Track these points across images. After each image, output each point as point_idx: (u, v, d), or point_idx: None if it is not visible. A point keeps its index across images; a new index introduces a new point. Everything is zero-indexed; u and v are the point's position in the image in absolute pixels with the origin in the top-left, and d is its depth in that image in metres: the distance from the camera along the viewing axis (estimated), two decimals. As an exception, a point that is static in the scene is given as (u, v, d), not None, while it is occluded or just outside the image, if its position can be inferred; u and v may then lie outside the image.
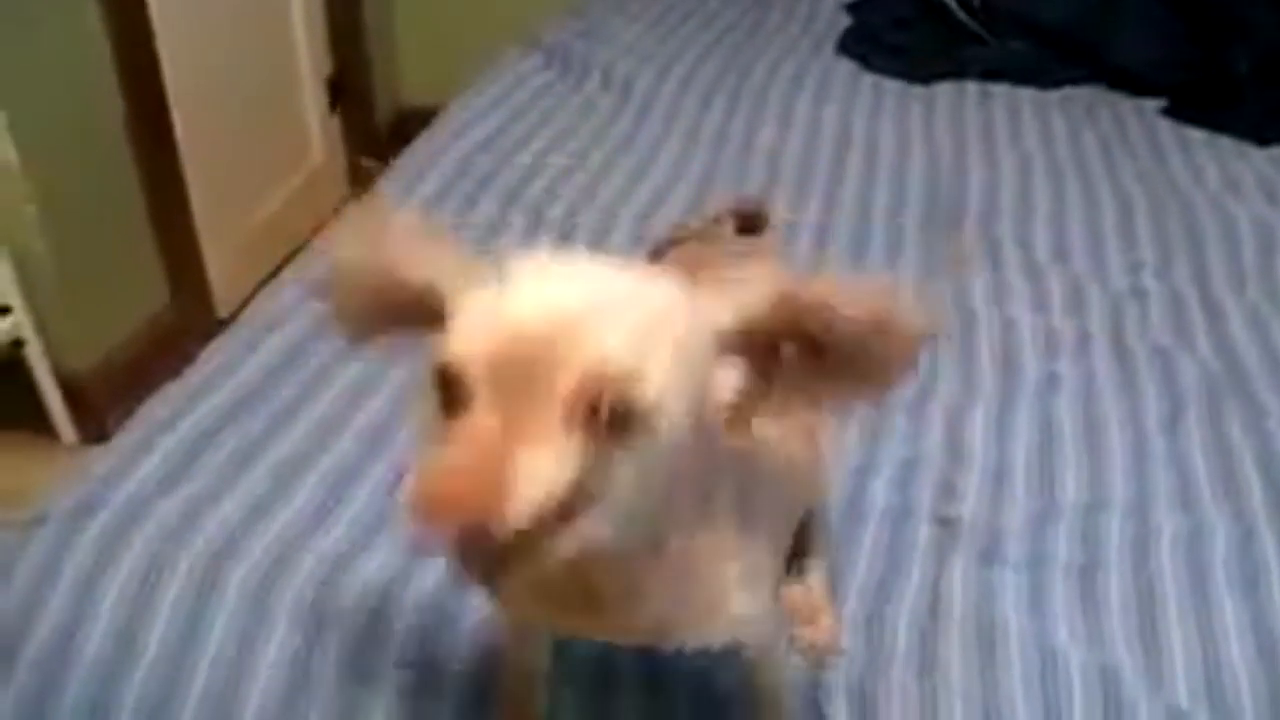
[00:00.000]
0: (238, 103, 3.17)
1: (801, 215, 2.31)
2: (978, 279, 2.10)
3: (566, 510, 0.75)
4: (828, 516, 1.53)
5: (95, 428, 2.68)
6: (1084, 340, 1.94)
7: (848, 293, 0.83)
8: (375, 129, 3.85)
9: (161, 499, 1.52)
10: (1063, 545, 1.55)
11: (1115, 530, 1.57)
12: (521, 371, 0.75)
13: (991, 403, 1.80)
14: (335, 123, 3.71)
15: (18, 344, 2.55)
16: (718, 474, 0.97)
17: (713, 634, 1.06)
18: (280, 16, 3.41)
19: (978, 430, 1.74)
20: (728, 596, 1.02)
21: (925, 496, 1.63)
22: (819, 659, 1.40)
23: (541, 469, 0.73)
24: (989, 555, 1.53)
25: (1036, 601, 1.46)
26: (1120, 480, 1.66)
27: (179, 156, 2.86)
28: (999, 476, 1.67)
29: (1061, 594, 1.47)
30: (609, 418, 0.75)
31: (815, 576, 1.48)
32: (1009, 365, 1.88)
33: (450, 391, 0.77)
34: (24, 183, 2.41)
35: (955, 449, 1.71)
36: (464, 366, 0.76)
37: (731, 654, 1.14)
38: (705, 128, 2.65)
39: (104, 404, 2.68)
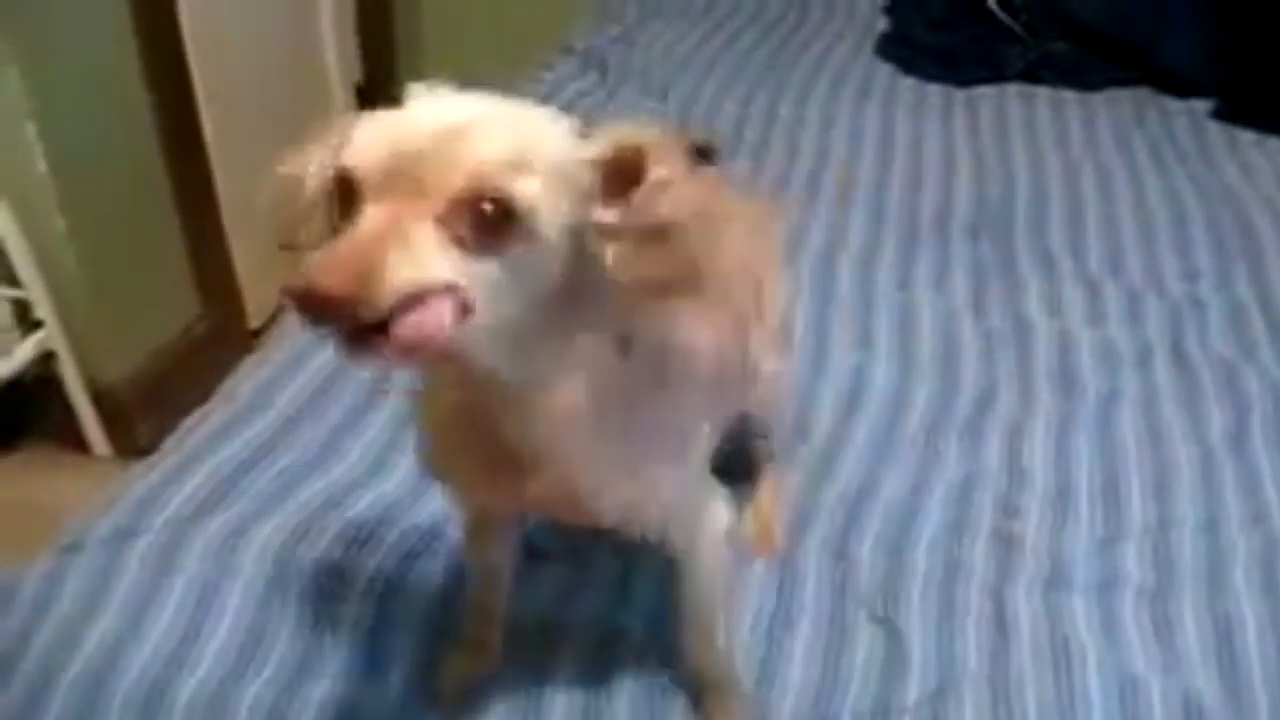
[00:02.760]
0: (268, 111, 3.12)
1: (848, 221, 2.26)
2: (1032, 289, 2.04)
3: (432, 300, 0.80)
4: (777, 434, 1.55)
5: (127, 440, 2.64)
6: (1143, 352, 1.89)
7: (690, 177, 0.89)
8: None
9: (203, 523, 1.48)
10: (1133, 566, 1.50)
11: (1187, 550, 1.52)
12: (406, 177, 0.80)
13: (1051, 418, 1.75)
14: (364, 129, 3.67)
15: (48, 356, 2.51)
16: (626, 327, 1.00)
17: (629, 499, 1.07)
18: (310, 24, 3.37)
19: (1038, 447, 1.70)
20: (644, 459, 1.06)
21: (985, 515, 1.58)
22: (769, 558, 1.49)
23: (413, 260, 0.79)
24: (1056, 577, 1.48)
25: (1109, 625, 1.42)
26: (1188, 497, 1.61)
27: (210, 166, 2.81)
28: (1061, 495, 1.62)
29: (1134, 617, 1.43)
30: (486, 220, 0.81)
31: (765, 494, 1.55)
32: (1067, 379, 1.83)
33: (344, 199, 0.83)
34: (54, 194, 2.37)
35: (1015, 466, 1.66)
36: (355, 173, 0.82)
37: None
38: (747, 133, 2.60)
39: (136, 416, 2.63)
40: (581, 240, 0.88)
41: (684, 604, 1.25)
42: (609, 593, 1.45)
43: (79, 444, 2.63)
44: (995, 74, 2.87)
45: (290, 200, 0.97)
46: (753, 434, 1.51)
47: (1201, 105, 2.76)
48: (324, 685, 1.32)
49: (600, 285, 0.90)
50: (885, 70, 2.93)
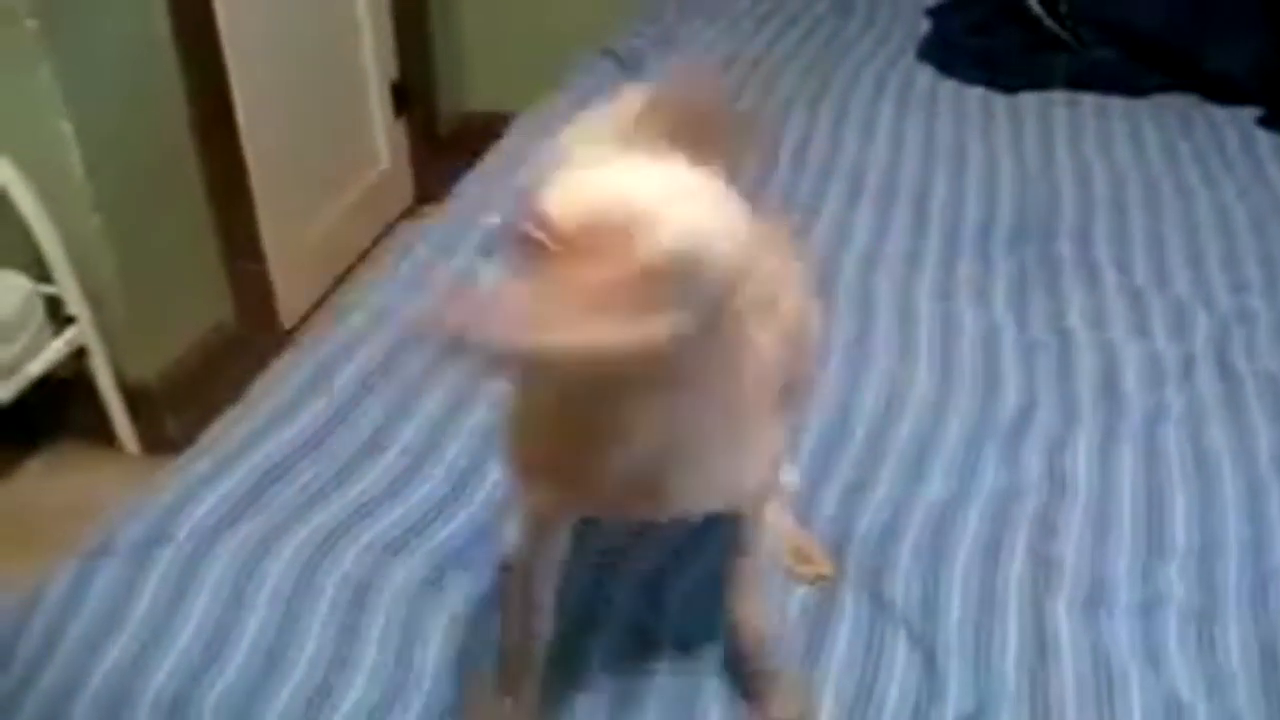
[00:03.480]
0: (303, 109, 3.13)
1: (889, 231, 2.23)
2: (1075, 301, 2.00)
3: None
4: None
5: (158, 437, 2.65)
6: (1189, 366, 1.84)
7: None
8: (439, 135, 3.80)
9: (230, 532, 1.46)
10: (1176, 586, 1.45)
11: (1232, 572, 1.48)
12: (591, 244, 0.83)
13: (1093, 432, 1.71)
14: (400, 128, 3.66)
15: (80, 353, 2.52)
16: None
17: (708, 489, 1.11)
18: (346, 21, 3.37)
19: (1080, 462, 1.65)
20: (719, 443, 1.07)
21: (1024, 532, 1.54)
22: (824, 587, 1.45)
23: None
24: (1097, 596, 1.44)
25: (1152, 647, 1.37)
26: (1234, 517, 1.56)
27: (244, 165, 2.82)
28: (1103, 512, 1.57)
29: (1177, 639, 1.38)
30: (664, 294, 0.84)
31: (786, 520, 1.49)
32: (1110, 393, 1.79)
33: (526, 248, 0.85)
34: (89, 192, 2.37)
35: (1055, 482, 1.62)
36: (544, 226, 0.84)
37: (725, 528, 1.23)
38: (787, 138, 2.56)
39: (167, 414, 2.66)
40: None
41: (738, 573, 1.26)
42: (640, 595, 1.43)
43: (109, 441, 2.65)
44: (1040, 80, 2.82)
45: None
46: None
47: (1248, 113, 2.70)
48: (350, 701, 1.29)
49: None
50: (927, 75, 2.88)
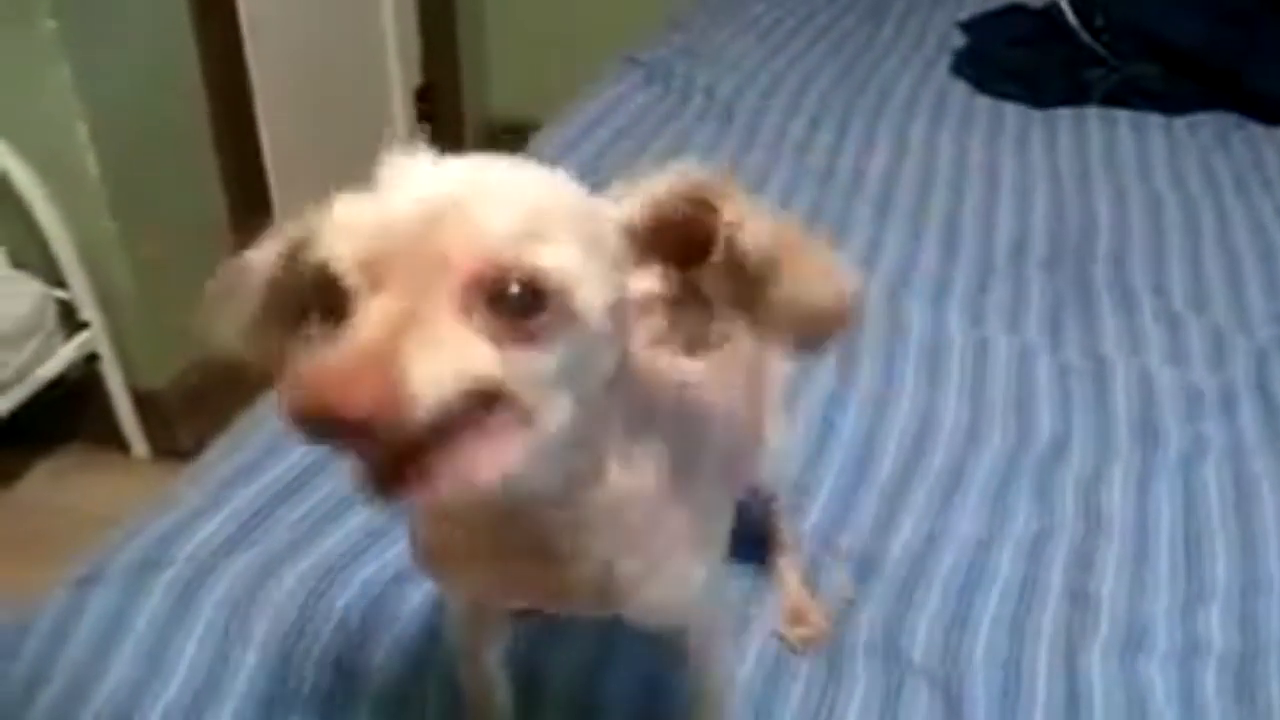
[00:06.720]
0: (326, 114, 3.09)
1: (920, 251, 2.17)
2: (1109, 326, 1.94)
3: (479, 416, 0.66)
4: (789, 510, 1.45)
5: (168, 443, 2.62)
6: (1229, 398, 1.78)
7: (758, 212, 0.76)
8: (463, 141, 3.76)
9: (230, 557, 1.42)
10: (1216, 632, 1.39)
11: (1275, 615, 1.42)
12: (408, 263, 0.66)
13: (1130, 466, 1.65)
14: (424, 134, 3.62)
15: (92, 358, 2.49)
16: (650, 401, 0.88)
17: (660, 596, 0.95)
18: (371, 26, 3.33)
19: (1115, 497, 1.59)
20: (675, 548, 0.94)
21: (1057, 571, 1.48)
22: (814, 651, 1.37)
23: (443, 359, 0.64)
24: (1133, 640, 1.38)
25: (1189, 695, 1.31)
26: (1276, 557, 1.51)
27: (264, 170, 2.78)
28: (1141, 550, 1.52)
29: (1215, 686, 1.32)
30: (514, 305, 0.67)
31: (791, 577, 1.43)
32: (1147, 425, 1.73)
33: (329, 299, 0.69)
34: (104, 196, 2.33)
35: (1091, 518, 1.56)
36: (342, 265, 0.68)
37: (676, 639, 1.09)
38: (816, 149, 2.51)
39: (177, 420, 2.62)
40: (622, 314, 0.76)
41: (693, 702, 1.17)
42: (590, 654, 1.35)
43: (120, 446, 2.61)
44: (1076, 96, 2.76)
45: (233, 303, 0.83)
46: (768, 511, 1.41)
47: (1288, 132, 2.65)
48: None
49: (638, 359, 0.81)
50: (960, 89, 2.82)
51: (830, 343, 0.81)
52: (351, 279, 0.68)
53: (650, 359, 0.84)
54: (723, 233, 0.75)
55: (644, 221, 0.77)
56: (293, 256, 0.79)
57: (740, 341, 0.87)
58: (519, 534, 0.87)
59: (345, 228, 0.70)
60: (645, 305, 0.79)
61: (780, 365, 1.33)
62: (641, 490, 0.88)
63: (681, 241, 0.77)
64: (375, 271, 0.67)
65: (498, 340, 0.67)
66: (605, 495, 0.86)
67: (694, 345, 0.80)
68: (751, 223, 0.75)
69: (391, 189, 0.72)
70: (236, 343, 0.84)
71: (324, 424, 0.61)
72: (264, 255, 0.81)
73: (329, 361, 0.62)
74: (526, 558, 0.89)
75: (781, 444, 1.34)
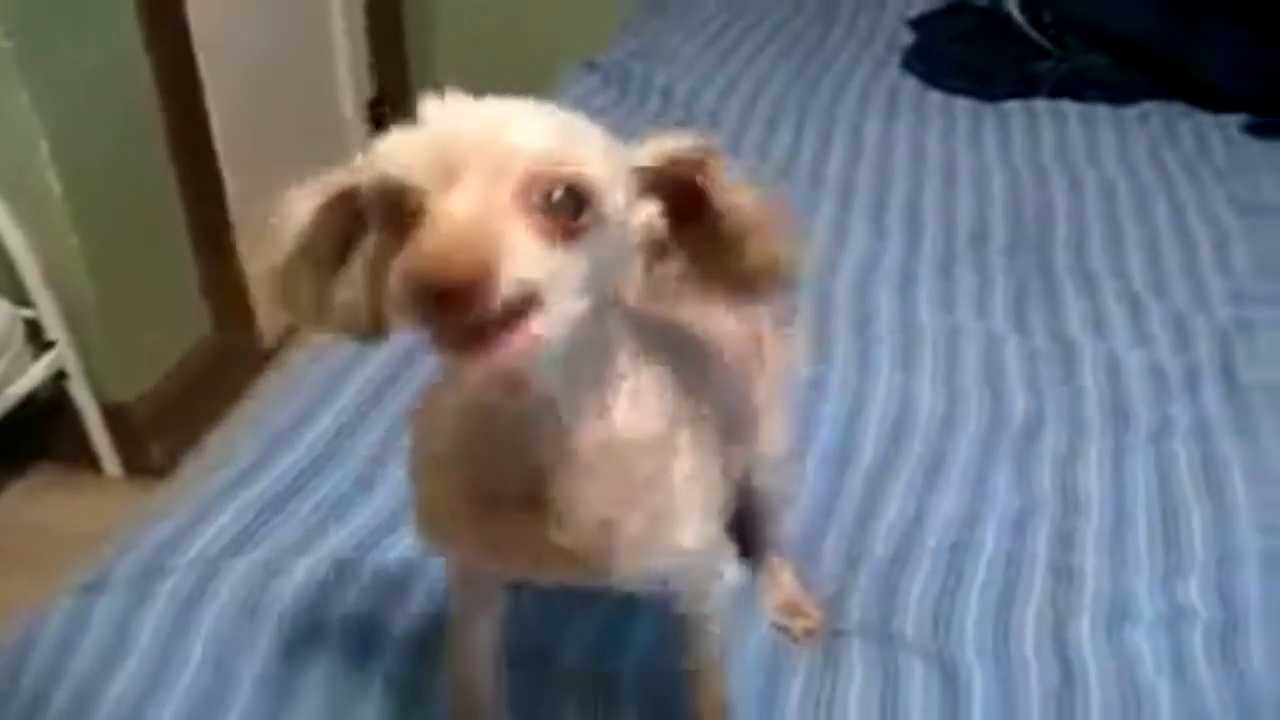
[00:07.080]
0: (280, 125, 3.08)
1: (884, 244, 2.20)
2: (1074, 310, 1.98)
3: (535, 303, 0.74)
4: (781, 504, 1.45)
5: (140, 460, 2.61)
6: (1193, 377, 1.83)
7: (744, 187, 0.87)
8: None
9: (233, 561, 1.42)
10: (1198, 601, 1.43)
11: (1252, 584, 1.46)
12: (480, 161, 0.74)
13: (1104, 446, 1.69)
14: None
15: (60, 376, 2.47)
16: (657, 325, 0.98)
17: (657, 554, 0.99)
18: (322, 38, 3.33)
19: (1092, 475, 1.63)
20: (675, 502, 0.98)
21: (1040, 547, 1.52)
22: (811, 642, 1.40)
23: (523, 246, 0.73)
24: (1119, 612, 1.42)
25: (1178, 663, 1.35)
26: (1248, 529, 1.55)
27: (222, 184, 2.77)
28: (1119, 526, 1.55)
29: (1203, 655, 1.36)
30: (558, 207, 0.75)
31: (785, 574, 1.45)
32: (1117, 406, 1.77)
33: (397, 212, 0.76)
34: (67, 213, 2.32)
35: (1069, 495, 1.60)
36: (412, 173, 0.75)
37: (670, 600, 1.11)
38: (774, 149, 2.54)
39: (148, 436, 2.61)
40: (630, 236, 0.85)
41: (691, 665, 1.19)
42: (600, 634, 1.37)
43: (91, 464, 2.60)
44: (1025, 89, 2.81)
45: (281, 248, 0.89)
46: (762, 512, 1.42)
47: (1234, 119, 2.70)
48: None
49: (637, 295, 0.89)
50: (911, 86, 2.87)
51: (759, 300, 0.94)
52: (424, 181, 0.74)
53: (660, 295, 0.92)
54: (715, 196, 0.85)
55: (651, 165, 0.85)
56: (336, 200, 0.87)
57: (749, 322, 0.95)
58: (513, 478, 0.92)
59: (407, 145, 0.77)
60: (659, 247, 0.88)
61: (788, 360, 1.37)
62: (647, 436, 0.94)
63: (674, 196, 0.86)
64: (447, 171, 0.74)
65: (548, 238, 0.74)
66: (611, 435, 0.91)
67: (654, 293, 0.89)
68: (739, 193, 0.86)
69: (440, 117, 0.78)
70: (275, 296, 0.91)
71: (435, 291, 0.69)
72: (299, 209, 0.89)
73: (434, 240, 0.71)
74: (518, 514, 0.93)
75: (779, 453, 1.36)
